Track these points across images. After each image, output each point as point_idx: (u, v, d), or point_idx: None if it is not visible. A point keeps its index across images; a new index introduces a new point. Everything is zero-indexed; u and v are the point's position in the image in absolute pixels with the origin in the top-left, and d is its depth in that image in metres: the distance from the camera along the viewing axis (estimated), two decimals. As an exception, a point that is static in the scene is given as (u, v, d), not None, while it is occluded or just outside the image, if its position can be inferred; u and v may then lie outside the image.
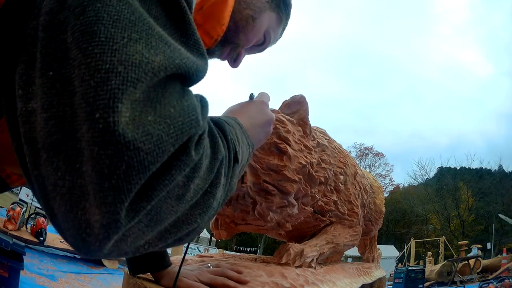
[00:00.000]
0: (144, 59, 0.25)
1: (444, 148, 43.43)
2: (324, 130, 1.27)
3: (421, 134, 49.84)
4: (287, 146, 0.89)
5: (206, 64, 0.33)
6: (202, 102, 0.34)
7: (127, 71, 0.24)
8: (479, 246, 11.84)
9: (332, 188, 1.21)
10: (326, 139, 1.18)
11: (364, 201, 1.49)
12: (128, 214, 0.26)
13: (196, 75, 0.31)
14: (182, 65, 0.28)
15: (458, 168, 29.65)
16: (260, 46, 0.76)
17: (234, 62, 0.74)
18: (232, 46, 0.71)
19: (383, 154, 29.77)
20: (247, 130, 0.51)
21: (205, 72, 0.33)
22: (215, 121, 0.41)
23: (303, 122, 0.99)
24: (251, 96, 0.65)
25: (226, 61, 0.74)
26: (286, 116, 0.96)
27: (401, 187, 32.26)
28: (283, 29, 0.79)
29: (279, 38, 0.81)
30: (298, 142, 0.94)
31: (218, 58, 0.73)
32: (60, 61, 0.25)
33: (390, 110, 54.36)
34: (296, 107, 1.00)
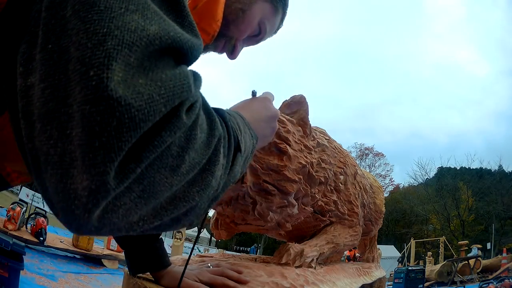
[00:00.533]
0: (139, 26, 0.26)
1: (444, 148, 43.42)
2: (324, 130, 1.27)
3: (420, 133, 49.88)
4: (287, 146, 0.89)
5: (201, 44, 0.34)
6: (195, 75, 0.34)
7: (123, 34, 0.25)
8: (479, 246, 11.86)
9: (332, 188, 1.21)
10: (326, 139, 1.18)
11: (364, 201, 1.50)
12: (116, 175, 0.25)
13: (191, 52, 0.32)
14: (177, 38, 0.29)
15: (458, 168, 29.67)
16: (256, 37, 0.77)
17: (231, 54, 0.75)
18: (226, 39, 0.72)
19: (383, 154, 29.81)
20: (250, 124, 0.52)
21: (200, 51, 0.33)
22: (215, 109, 0.41)
23: (303, 122, 0.99)
24: (253, 93, 0.65)
25: (223, 58, 0.75)
26: (286, 116, 0.96)
27: (401, 187, 32.27)
28: (282, 18, 0.79)
29: (280, 27, 0.81)
30: (298, 142, 0.94)
31: (214, 51, 0.75)
32: (59, 34, 0.26)
33: (388, 109, 54.42)
34: (296, 107, 1.00)
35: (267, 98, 0.64)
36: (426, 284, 9.23)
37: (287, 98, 1.02)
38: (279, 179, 0.88)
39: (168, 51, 0.29)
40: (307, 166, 0.94)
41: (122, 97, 0.24)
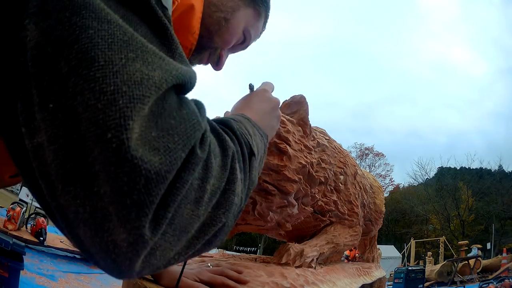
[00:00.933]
0: (144, 76, 0.26)
1: (443, 147, 43.29)
2: (324, 130, 1.27)
3: (418, 132, 49.79)
4: (287, 146, 0.89)
5: (195, 72, 0.34)
6: (198, 105, 0.34)
7: (132, 89, 0.25)
8: (479, 246, 11.85)
9: (332, 188, 1.21)
10: (326, 139, 1.18)
11: (364, 201, 1.50)
12: (150, 226, 0.26)
13: (190, 82, 0.32)
14: (179, 75, 0.30)
15: (458, 168, 29.65)
16: (242, 44, 0.75)
17: (217, 65, 0.73)
18: (211, 51, 0.70)
19: (383, 154, 29.76)
20: (257, 122, 0.52)
21: (196, 79, 0.34)
22: (221, 121, 0.41)
23: (303, 122, 0.99)
24: (251, 86, 0.65)
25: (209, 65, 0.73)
26: (286, 116, 0.96)
27: (401, 187, 32.26)
28: (265, 22, 0.77)
29: (263, 31, 0.79)
30: (298, 142, 0.94)
31: (198, 64, 0.72)
32: (58, 92, 0.25)
33: (385, 108, 54.30)
34: (296, 107, 1.00)
35: (265, 90, 0.64)
36: (426, 284, 9.23)
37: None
38: (279, 179, 0.88)
39: (170, 88, 0.29)
40: (307, 166, 0.94)
41: (143, 155, 0.25)
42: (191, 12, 0.59)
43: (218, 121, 0.41)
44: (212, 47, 0.69)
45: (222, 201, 0.34)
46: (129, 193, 0.24)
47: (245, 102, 0.61)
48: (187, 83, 0.32)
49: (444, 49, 55.47)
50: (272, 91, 0.67)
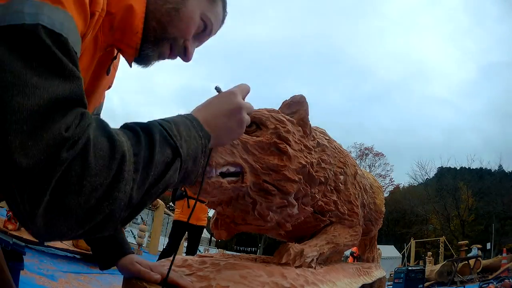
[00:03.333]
0: (21, 105, 0.38)
1: (440, 145, 43.30)
2: (324, 130, 1.27)
3: (413, 130, 49.89)
4: (287, 146, 0.89)
5: (79, 84, 0.44)
6: (83, 116, 0.43)
7: (11, 116, 0.38)
8: (479, 246, 11.83)
9: (332, 188, 1.21)
10: (326, 139, 1.18)
11: (364, 201, 1.49)
12: (30, 203, 0.38)
13: (75, 94, 0.43)
14: (53, 96, 0.40)
15: (458, 168, 29.67)
16: (205, 32, 0.75)
17: (185, 56, 0.74)
18: (171, 43, 0.71)
19: (383, 154, 29.75)
20: (208, 122, 0.56)
21: (79, 89, 0.44)
22: (143, 126, 0.48)
23: (303, 122, 0.99)
24: (217, 89, 0.65)
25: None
26: (286, 116, 0.96)
27: (401, 187, 32.26)
28: (224, 6, 0.77)
29: (225, 15, 0.79)
30: (298, 142, 0.94)
31: (161, 59, 0.74)
32: None
33: (375, 107, 54.41)
34: (296, 107, 1.00)
35: (232, 92, 0.63)
36: (426, 284, 9.23)
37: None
38: (279, 179, 0.88)
39: (55, 105, 0.40)
40: (307, 166, 0.94)
41: (18, 158, 0.37)
42: (131, 13, 0.63)
43: (140, 125, 0.48)
44: (169, 38, 0.69)
45: (108, 195, 0.41)
46: (14, 181, 0.38)
47: (205, 102, 0.62)
48: (71, 97, 0.42)
49: (407, 40, 55.52)
50: (247, 93, 0.66)
